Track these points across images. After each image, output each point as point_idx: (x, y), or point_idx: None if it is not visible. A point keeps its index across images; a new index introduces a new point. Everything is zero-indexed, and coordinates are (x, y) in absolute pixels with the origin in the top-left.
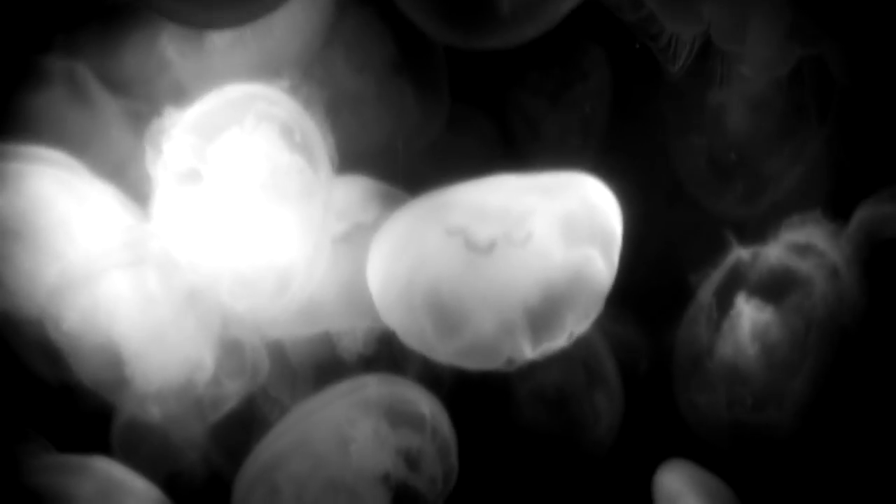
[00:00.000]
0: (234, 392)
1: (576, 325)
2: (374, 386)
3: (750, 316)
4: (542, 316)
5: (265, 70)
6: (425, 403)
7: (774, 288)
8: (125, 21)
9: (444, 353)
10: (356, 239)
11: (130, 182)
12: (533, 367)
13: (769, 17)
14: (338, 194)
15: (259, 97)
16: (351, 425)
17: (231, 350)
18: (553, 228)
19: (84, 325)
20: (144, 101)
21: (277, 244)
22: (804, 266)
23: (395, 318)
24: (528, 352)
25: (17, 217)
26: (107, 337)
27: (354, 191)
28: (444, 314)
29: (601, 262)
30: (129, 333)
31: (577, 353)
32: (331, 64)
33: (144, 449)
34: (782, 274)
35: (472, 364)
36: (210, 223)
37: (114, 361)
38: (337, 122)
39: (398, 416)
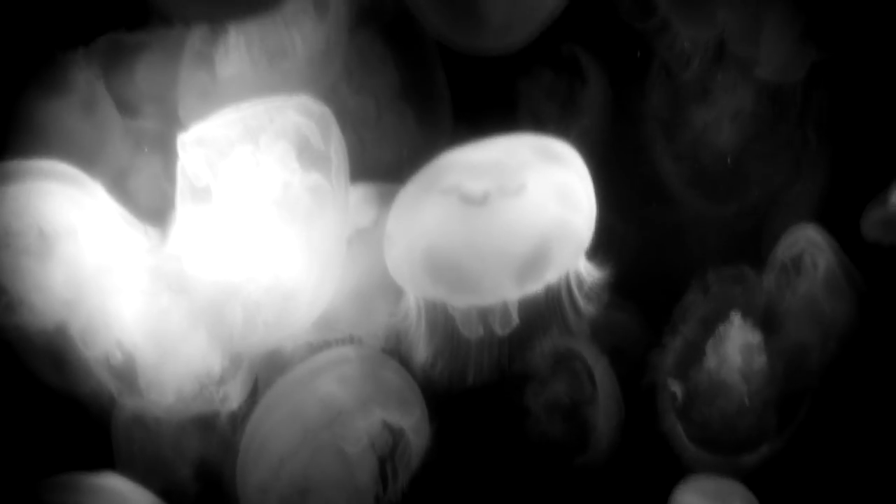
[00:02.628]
0: (235, 403)
1: (556, 275)
2: (360, 357)
3: (740, 335)
4: (530, 265)
5: (279, 90)
6: (404, 379)
7: (768, 316)
8: (142, 38)
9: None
10: (358, 243)
11: (131, 194)
12: (542, 381)
13: (783, 21)
14: None
15: (277, 113)
16: (337, 394)
17: (237, 363)
18: (546, 182)
19: (96, 337)
20: (155, 116)
21: (291, 261)
22: (797, 299)
23: (401, 274)
24: (515, 296)
25: (28, 232)
26: (119, 347)
27: (352, 196)
28: (442, 268)
29: (586, 218)
30: (140, 343)
31: (581, 361)
32: (333, 83)
33: (143, 460)
34: (777, 303)
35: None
36: (223, 238)
37: (125, 371)
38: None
39: (382, 386)
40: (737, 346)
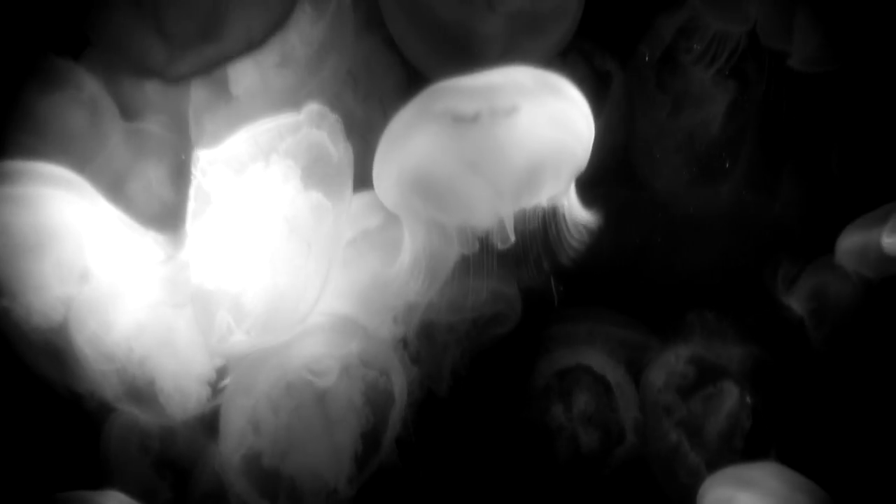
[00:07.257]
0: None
1: (553, 190)
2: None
3: (733, 398)
4: (523, 185)
5: (288, 101)
6: (392, 350)
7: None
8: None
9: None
10: (363, 245)
11: (129, 198)
12: (565, 398)
13: (814, 15)
14: None
15: (288, 130)
16: (322, 360)
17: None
18: (541, 106)
19: (100, 339)
20: (159, 122)
21: (292, 272)
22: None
23: (388, 198)
24: (511, 212)
25: (30, 234)
26: (123, 351)
27: (358, 198)
28: (434, 188)
29: (583, 144)
30: (149, 349)
31: (590, 368)
32: (339, 90)
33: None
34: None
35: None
36: (231, 249)
37: (132, 377)
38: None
39: (368, 358)
40: (726, 406)
